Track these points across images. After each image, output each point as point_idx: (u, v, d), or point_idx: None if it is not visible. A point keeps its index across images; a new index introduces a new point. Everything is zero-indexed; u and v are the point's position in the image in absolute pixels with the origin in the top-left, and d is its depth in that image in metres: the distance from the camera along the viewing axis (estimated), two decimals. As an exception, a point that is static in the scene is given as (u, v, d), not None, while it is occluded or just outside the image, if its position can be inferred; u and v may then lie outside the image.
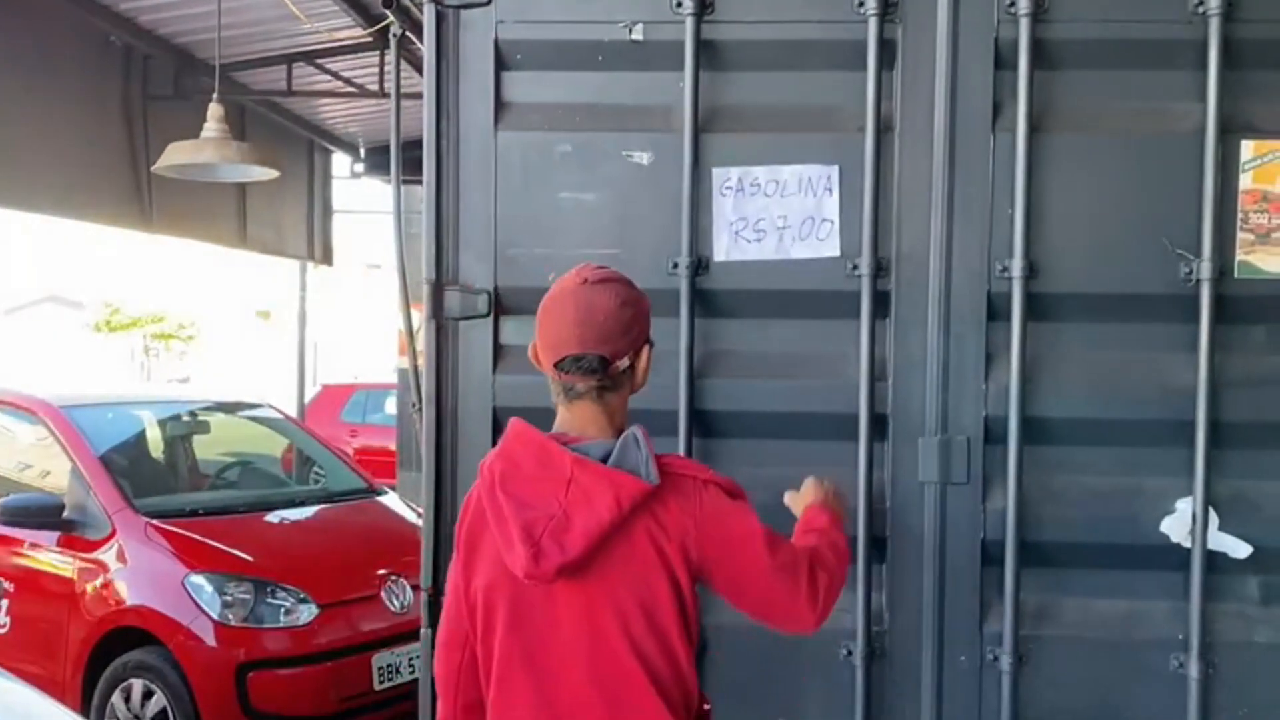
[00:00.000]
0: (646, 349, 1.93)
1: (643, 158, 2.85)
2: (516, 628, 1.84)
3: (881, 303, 2.80)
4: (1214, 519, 2.75)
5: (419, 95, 2.91)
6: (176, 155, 5.56)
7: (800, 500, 2.21)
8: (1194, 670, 2.75)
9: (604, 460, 1.81)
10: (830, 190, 2.77)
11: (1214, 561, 2.75)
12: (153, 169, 6.00)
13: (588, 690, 1.82)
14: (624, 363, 1.88)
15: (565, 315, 1.87)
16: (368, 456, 10.29)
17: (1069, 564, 2.82)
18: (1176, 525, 2.77)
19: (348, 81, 8.31)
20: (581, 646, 1.82)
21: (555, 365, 1.87)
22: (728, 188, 2.81)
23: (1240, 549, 2.75)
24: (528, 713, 1.84)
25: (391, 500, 5.80)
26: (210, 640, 4.34)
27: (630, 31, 2.82)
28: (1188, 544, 2.76)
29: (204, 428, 6.06)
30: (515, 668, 1.85)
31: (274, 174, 6.03)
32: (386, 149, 3.36)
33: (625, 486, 1.78)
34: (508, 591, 1.83)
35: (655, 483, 1.79)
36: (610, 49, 2.84)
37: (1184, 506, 2.76)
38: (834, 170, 2.78)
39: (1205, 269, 2.71)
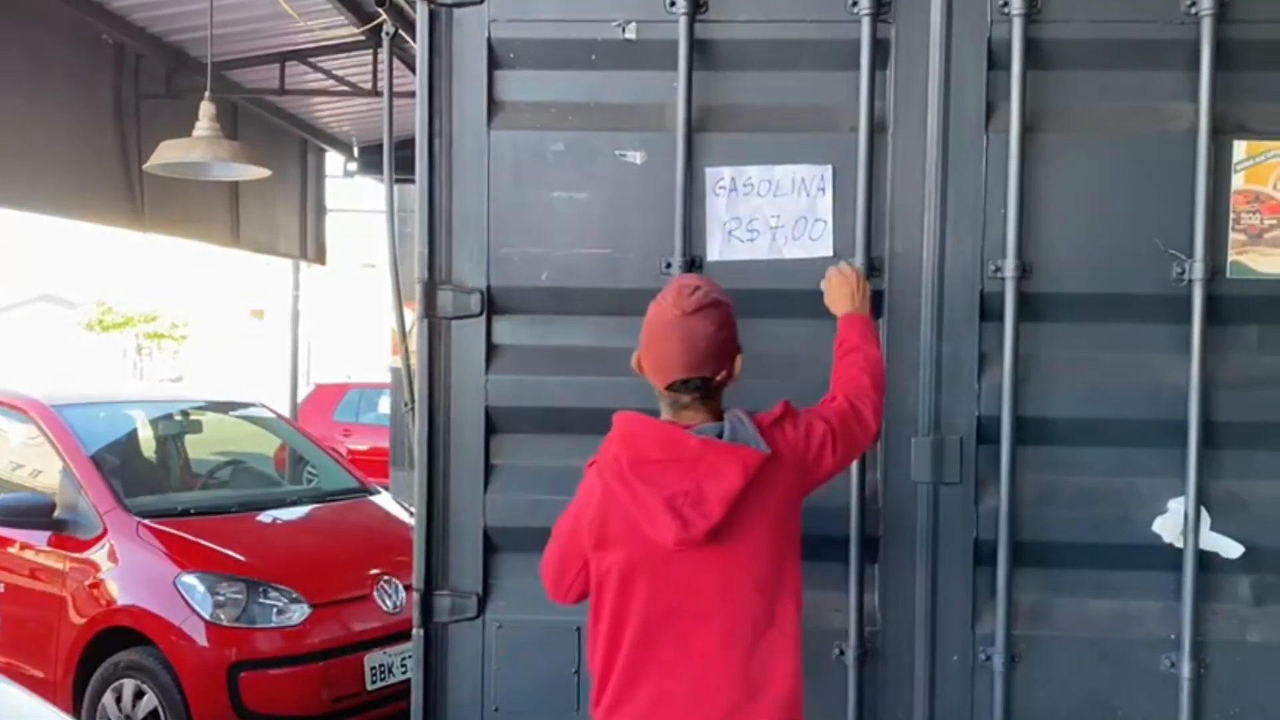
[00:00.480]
0: (739, 356, 2.19)
1: (636, 157, 2.85)
2: (658, 592, 2.10)
3: (874, 303, 2.80)
4: (1206, 519, 2.75)
5: (412, 94, 2.91)
6: (168, 153, 5.54)
7: (833, 301, 2.59)
8: (1186, 670, 2.75)
9: (718, 438, 2.10)
10: (824, 190, 2.77)
11: (1206, 561, 2.76)
12: (144, 167, 5.98)
13: (726, 639, 2.10)
14: (723, 375, 2.16)
15: (669, 345, 2.12)
16: (360, 456, 10.27)
17: (1062, 564, 2.82)
18: (1169, 525, 2.77)
19: (341, 80, 8.30)
20: (719, 601, 2.10)
21: (667, 387, 2.14)
22: (721, 187, 2.81)
23: (1232, 549, 2.75)
24: (671, 665, 2.10)
25: (384, 500, 5.78)
26: (202, 640, 4.32)
27: (624, 30, 2.82)
28: (1180, 544, 2.76)
29: (196, 427, 6.04)
30: (657, 626, 2.10)
31: (266, 173, 6.01)
32: (379, 148, 3.36)
33: (748, 457, 2.07)
34: (647, 562, 2.09)
35: (769, 452, 2.10)
36: (603, 48, 2.84)
37: (1176, 506, 2.76)
38: (827, 170, 2.77)
39: (1197, 269, 2.71)
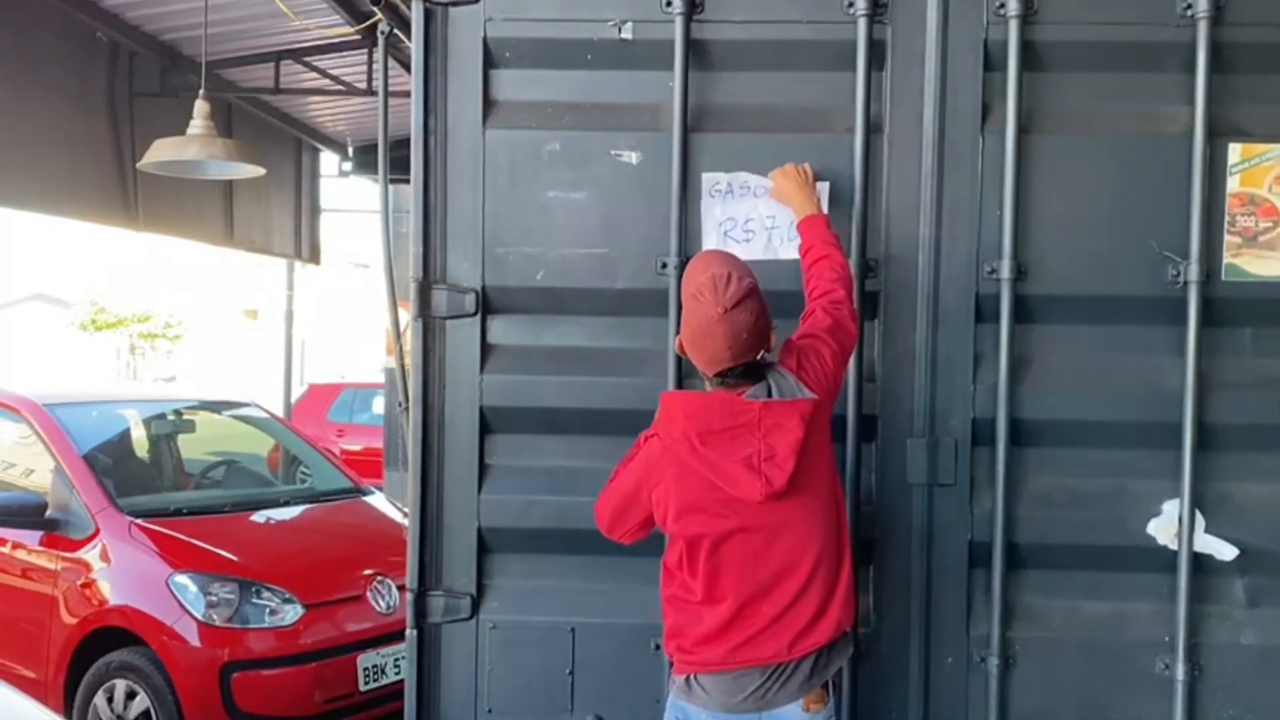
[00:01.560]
0: (773, 332, 2.39)
1: (631, 157, 2.84)
2: (750, 542, 2.33)
3: (870, 304, 2.79)
4: (1200, 521, 2.75)
5: (407, 93, 2.90)
6: (162, 152, 5.52)
7: (782, 196, 2.73)
8: (1180, 672, 2.75)
9: (768, 395, 2.33)
10: (820, 194, 2.76)
11: (1200, 563, 2.76)
12: (138, 165, 5.95)
13: (807, 569, 2.35)
14: (763, 354, 2.38)
15: (717, 341, 2.30)
16: (354, 457, 10.25)
17: (1056, 566, 2.83)
18: (1163, 527, 2.77)
19: (336, 79, 8.27)
20: (802, 536, 2.35)
21: (714, 377, 2.35)
22: (717, 190, 2.80)
23: (1226, 551, 2.75)
24: (762, 593, 2.34)
25: (378, 500, 5.76)
26: (194, 640, 4.30)
27: (620, 30, 2.81)
28: (1174, 546, 2.76)
29: (189, 426, 6.01)
30: (751, 571, 2.34)
31: (260, 171, 5.99)
32: (375, 148, 3.35)
33: (803, 407, 2.31)
34: (737, 520, 2.32)
35: (816, 397, 2.35)
36: (599, 48, 2.83)
37: (1171, 509, 2.76)
38: (824, 186, 2.77)
39: (1193, 272, 2.71)
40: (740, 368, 2.33)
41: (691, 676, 2.40)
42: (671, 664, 2.47)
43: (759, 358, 2.36)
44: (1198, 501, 2.74)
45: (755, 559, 2.35)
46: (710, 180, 2.80)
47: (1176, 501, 2.75)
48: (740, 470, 2.28)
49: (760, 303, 2.34)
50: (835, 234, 2.64)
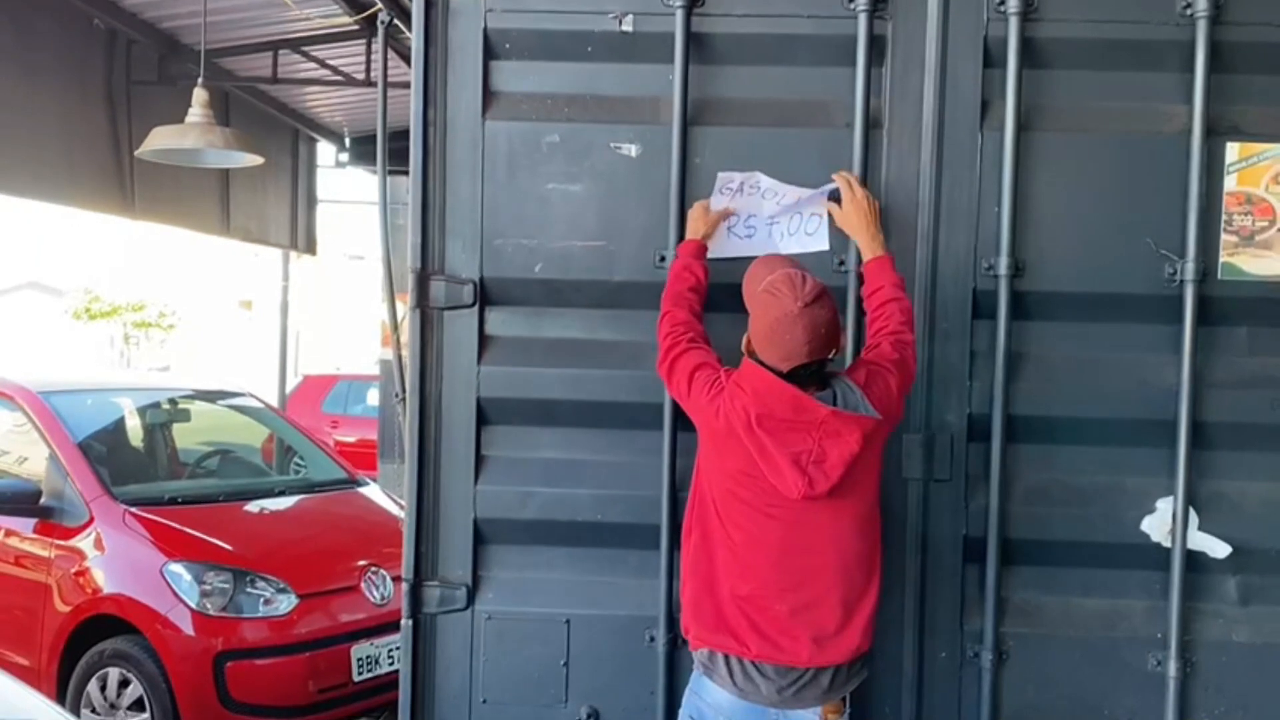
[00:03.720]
0: (844, 333, 2.45)
1: (631, 150, 2.84)
2: (780, 520, 2.37)
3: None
4: (1194, 519, 2.76)
5: (406, 85, 2.89)
6: (161, 139, 5.50)
7: (850, 228, 2.71)
8: (1172, 669, 2.77)
9: (833, 403, 2.35)
10: (823, 193, 2.76)
11: (1193, 561, 2.77)
12: (136, 153, 5.94)
13: (834, 576, 2.40)
14: (836, 353, 2.39)
15: (796, 335, 2.32)
16: (348, 448, 10.24)
17: (1050, 562, 2.83)
18: (1157, 524, 2.78)
19: (334, 70, 8.25)
20: (831, 544, 2.39)
21: (790, 372, 2.33)
22: (728, 187, 2.80)
23: (1219, 549, 2.77)
24: (782, 593, 2.38)
25: (373, 491, 5.76)
26: (188, 629, 4.30)
27: (620, 23, 2.81)
28: (1168, 543, 2.77)
29: (184, 415, 6.00)
30: (773, 548, 2.38)
31: (258, 160, 5.98)
32: (372, 139, 3.35)
33: (866, 424, 2.34)
34: (768, 507, 2.37)
35: (880, 417, 2.37)
36: (600, 40, 2.83)
37: (1164, 506, 2.77)
38: (828, 187, 2.76)
39: (1189, 270, 2.72)
40: (815, 365, 2.34)
41: (710, 653, 2.44)
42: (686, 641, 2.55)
43: (830, 357, 2.37)
44: (1191, 499, 2.76)
45: (777, 549, 2.38)
46: (724, 179, 2.80)
47: (1170, 499, 2.76)
48: (787, 464, 2.30)
49: (833, 300, 2.38)
50: (901, 276, 2.65)
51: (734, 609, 2.41)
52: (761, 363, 2.38)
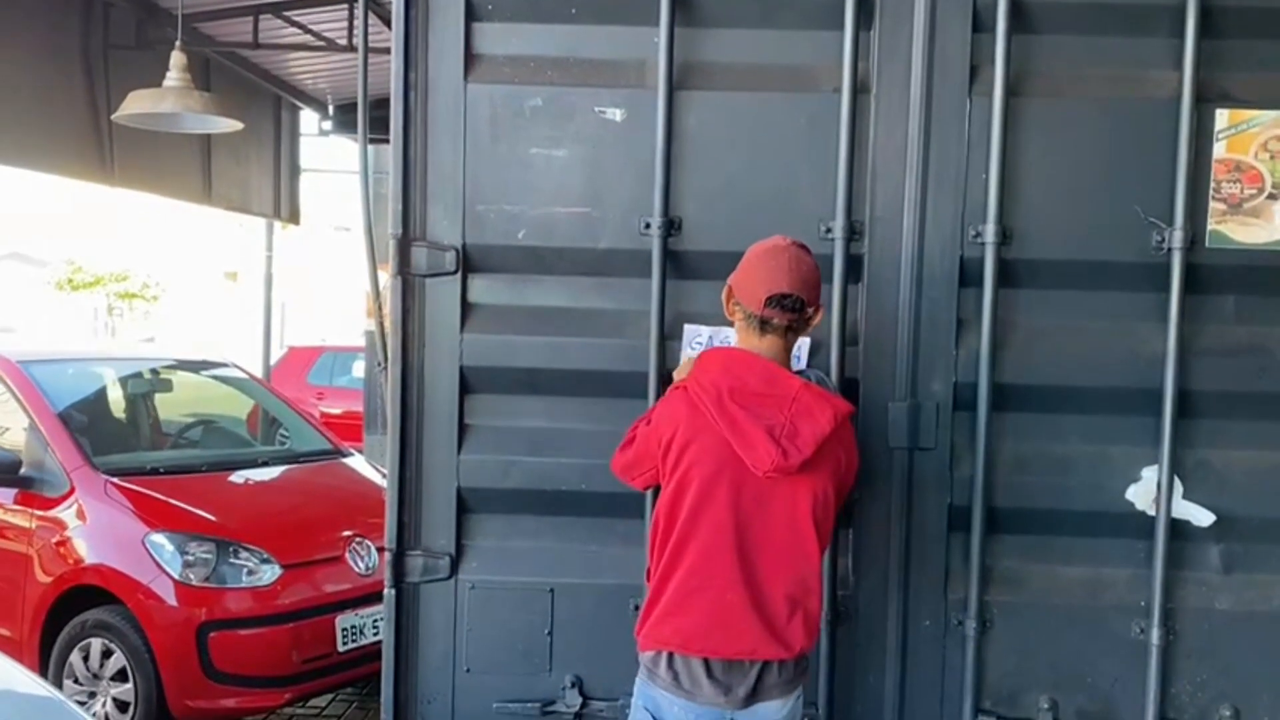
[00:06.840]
0: (821, 310, 2.39)
1: (615, 114, 2.80)
2: (733, 512, 2.28)
3: (854, 266, 2.78)
4: (1178, 487, 2.77)
5: (388, 50, 2.84)
6: (138, 104, 5.42)
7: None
8: (1155, 637, 2.78)
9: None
10: (802, 349, 2.73)
11: (1177, 529, 2.78)
12: (113, 117, 5.85)
13: (782, 561, 2.30)
14: (811, 312, 2.35)
15: (780, 262, 2.30)
16: (333, 420, 10.19)
17: (1034, 530, 2.84)
18: (1141, 493, 2.78)
19: (317, 35, 8.13)
20: (784, 527, 2.29)
21: (765, 301, 2.29)
22: (697, 342, 2.77)
23: (1203, 517, 2.77)
24: (731, 581, 2.28)
25: (357, 462, 5.73)
26: (171, 600, 4.28)
27: (604, -16, 2.76)
28: (1152, 512, 2.78)
29: (166, 386, 5.95)
30: (724, 542, 2.28)
31: (238, 125, 5.90)
32: (355, 106, 3.28)
33: (839, 406, 2.32)
34: (730, 483, 2.27)
35: (853, 410, 2.37)
36: (584, 1, 2.78)
37: (1149, 475, 2.77)
38: (805, 342, 2.72)
39: (1177, 238, 2.71)
40: (792, 304, 2.28)
41: (658, 654, 2.33)
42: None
43: (808, 313, 2.33)
44: (1176, 468, 2.75)
45: (731, 533, 2.28)
46: (692, 332, 2.78)
47: (1155, 467, 2.76)
48: (761, 435, 2.23)
49: (818, 266, 2.37)
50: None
51: (682, 598, 2.30)
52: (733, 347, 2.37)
